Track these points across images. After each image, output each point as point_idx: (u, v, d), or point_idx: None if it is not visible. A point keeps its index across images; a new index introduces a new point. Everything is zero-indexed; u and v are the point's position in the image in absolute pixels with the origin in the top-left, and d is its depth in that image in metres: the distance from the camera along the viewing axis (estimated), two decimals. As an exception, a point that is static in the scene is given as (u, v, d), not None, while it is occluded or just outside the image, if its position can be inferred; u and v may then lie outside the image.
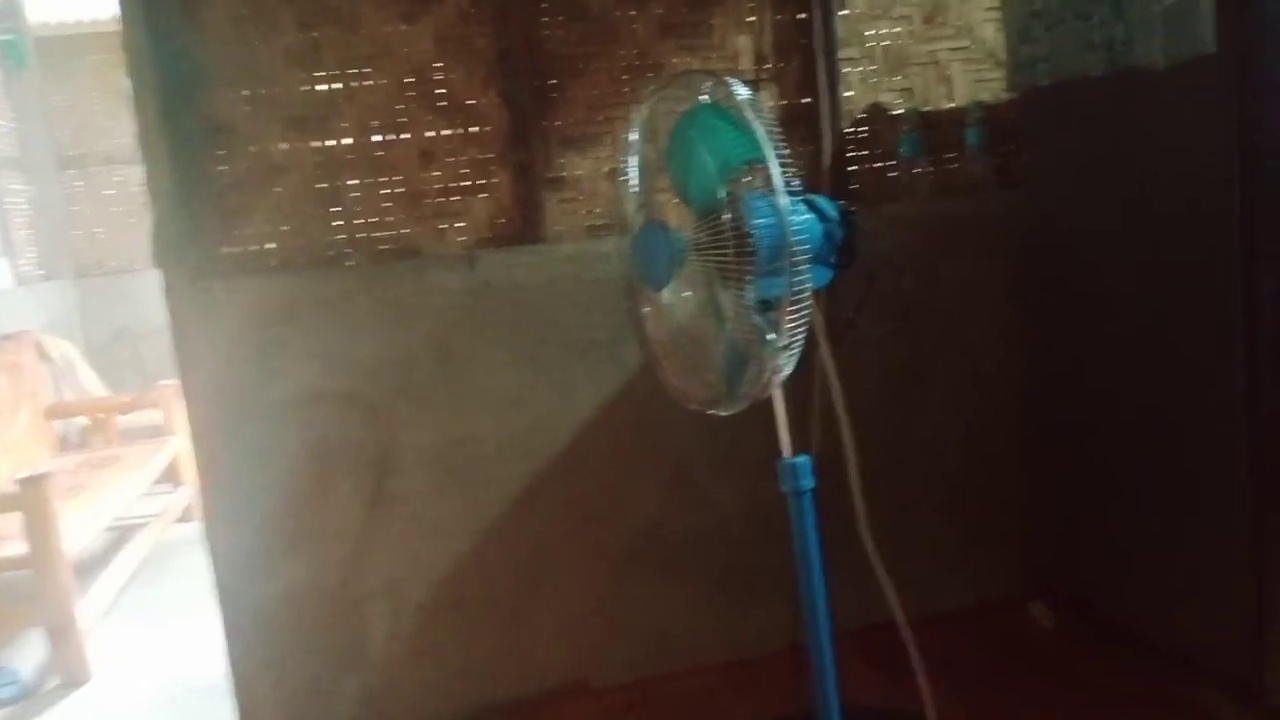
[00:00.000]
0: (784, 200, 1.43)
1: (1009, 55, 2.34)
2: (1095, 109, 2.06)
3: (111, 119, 6.37)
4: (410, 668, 2.22)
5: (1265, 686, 1.83)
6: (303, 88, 2.20)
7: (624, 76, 2.34)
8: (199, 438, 2.11)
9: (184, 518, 4.32)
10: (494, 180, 2.30)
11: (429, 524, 2.21)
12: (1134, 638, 2.15)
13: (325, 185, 2.22)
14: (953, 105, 2.52)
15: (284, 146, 2.19)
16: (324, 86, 2.21)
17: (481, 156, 2.28)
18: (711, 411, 1.62)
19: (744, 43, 2.39)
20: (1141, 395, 2.04)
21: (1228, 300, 1.77)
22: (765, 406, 1.60)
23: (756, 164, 1.48)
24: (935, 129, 2.50)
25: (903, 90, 2.51)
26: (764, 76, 2.40)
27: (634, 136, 1.70)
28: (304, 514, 2.15)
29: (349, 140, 2.23)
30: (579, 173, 2.34)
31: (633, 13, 2.33)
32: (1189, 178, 1.84)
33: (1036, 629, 2.39)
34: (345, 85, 2.22)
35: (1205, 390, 1.86)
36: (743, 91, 1.47)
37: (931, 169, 2.48)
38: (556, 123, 2.32)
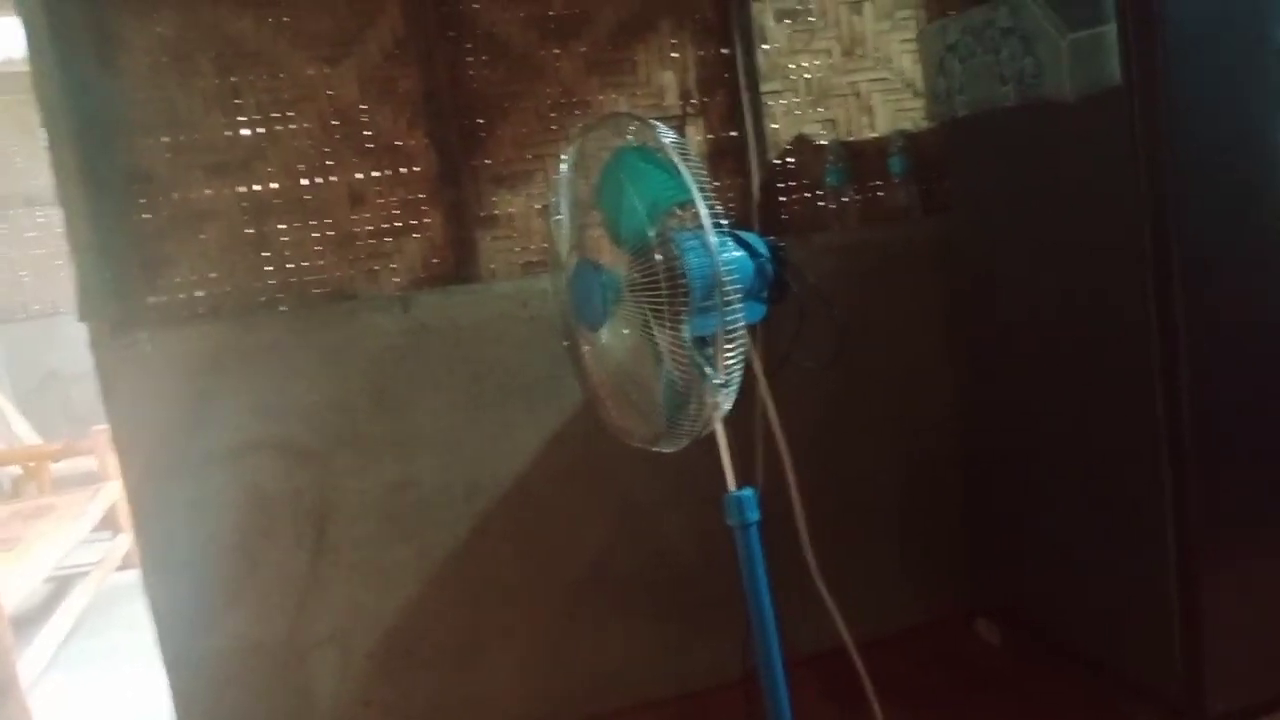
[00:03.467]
0: (714, 239, 1.45)
1: (927, 87, 2.41)
2: (1010, 139, 2.12)
3: (30, 159, 6.21)
4: (361, 717, 2.19)
5: (1202, 706, 1.87)
6: (225, 133, 2.17)
7: (551, 114, 2.35)
8: (133, 491, 2.06)
9: (124, 564, 4.20)
10: (426, 220, 2.29)
11: (374, 570, 2.19)
12: (1077, 655, 2.19)
13: (253, 231, 2.19)
14: (876, 135, 2.58)
15: (208, 192, 2.17)
16: (247, 131, 2.19)
17: (412, 197, 2.28)
18: (654, 449, 1.63)
19: (669, 79, 2.42)
20: (1069, 416, 2.10)
21: (1143, 324, 1.83)
22: (709, 440, 1.62)
23: (685, 204, 1.50)
24: (860, 158, 2.55)
25: (827, 121, 2.56)
26: (690, 112, 2.43)
27: (564, 176, 1.71)
28: (244, 565, 2.11)
29: (275, 184, 2.20)
30: (511, 210, 2.34)
31: (556, 51, 2.35)
32: (1100, 205, 1.90)
33: (983, 646, 2.44)
34: (269, 129, 2.20)
35: (1128, 412, 1.91)
36: (667, 135, 1.49)
37: (859, 197, 2.54)
38: (486, 161, 2.32)
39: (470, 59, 2.30)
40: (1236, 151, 1.80)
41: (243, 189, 2.19)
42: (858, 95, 2.58)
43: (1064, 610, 2.22)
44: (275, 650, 2.14)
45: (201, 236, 2.16)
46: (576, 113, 2.36)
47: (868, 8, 2.56)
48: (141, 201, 2.13)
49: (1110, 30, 1.77)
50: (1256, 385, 1.85)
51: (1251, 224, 1.82)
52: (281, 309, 2.20)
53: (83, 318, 2.03)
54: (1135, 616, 1.99)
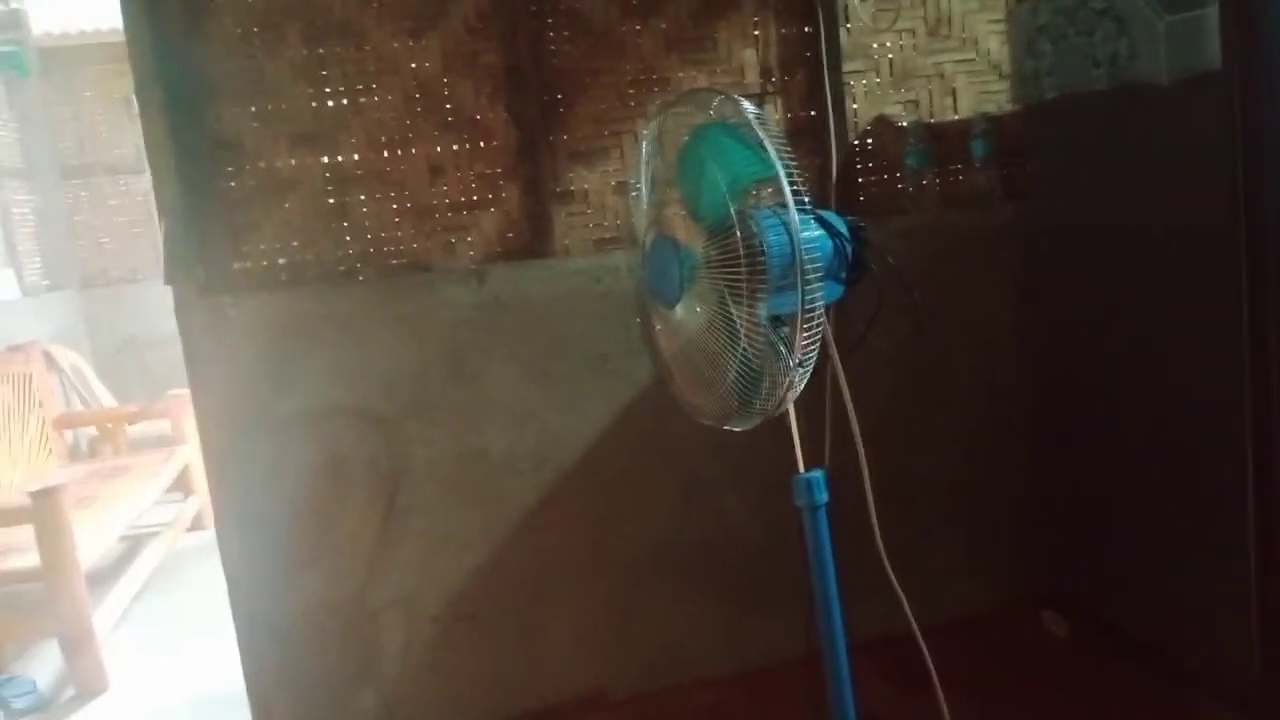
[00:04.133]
0: (795, 217, 1.44)
1: (1013, 68, 2.36)
2: (1099, 123, 2.07)
3: (115, 129, 6.39)
4: (425, 681, 2.24)
5: (1274, 706, 1.83)
6: (311, 103, 2.21)
7: (630, 91, 2.35)
8: (210, 453, 2.12)
9: (195, 526, 4.34)
10: (502, 195, 2.31)
11: (442, 537, 2.22)
12: (1145, 648, 2.16)
13: (334, 201, 2.23)
14: (958, 117, 2.53)
15: (292, 162, 2.21)
16: (331, 102, 2.22)
17: (490, 171, 2.30)
18: (725, 427, 1.63)
19: (749, 56, 2.40)
20: (1148, 406, 2.05)
21: (1233, 314, 1.78)
22: (777, 420, 1.61)
23: (766, 181, 1.49)
24: (941, 141, 2.51)
25: (908, 103, 2.52)
26: (770, 90, 2.41)
27: (643, 152, 1.71)
28: (318, 528, 2.16)
29: (357, 156, 2.24)
30: (587, 187, 2.35)
31: (637, 28, 2.34)
32: (1192, 193, 1.85)
33: (1050, 638, 2.40)
34: (352, 100, 2.23)
35: (1211, 402, 1.86)
36: (752, 109, 1.48)
37: (938, 181, 2.50)
38: (564, 137, 2.33)
39: (552, 34, 2.31)
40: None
41: (325, 159, 2.23)
42: (941, 76, 2.53)
43: (1136, 604, 2.18)
44: (345, 611, 2.19)
45: (285, 205, 2.21)
46: (655, 90, 2.35)
47: (956, -14, 2.51)
48: (228, 169, 2.18)
49: (1211, 13, 1.71)
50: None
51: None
52: (360, 278, 2.24)
53: (169, 281, 2.09)
54: (1212, 613, 1.95)
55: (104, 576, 3.59)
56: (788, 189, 1.44)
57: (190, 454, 4.38)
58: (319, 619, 2.17)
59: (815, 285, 1.46)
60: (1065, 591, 2.43)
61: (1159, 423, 2.03)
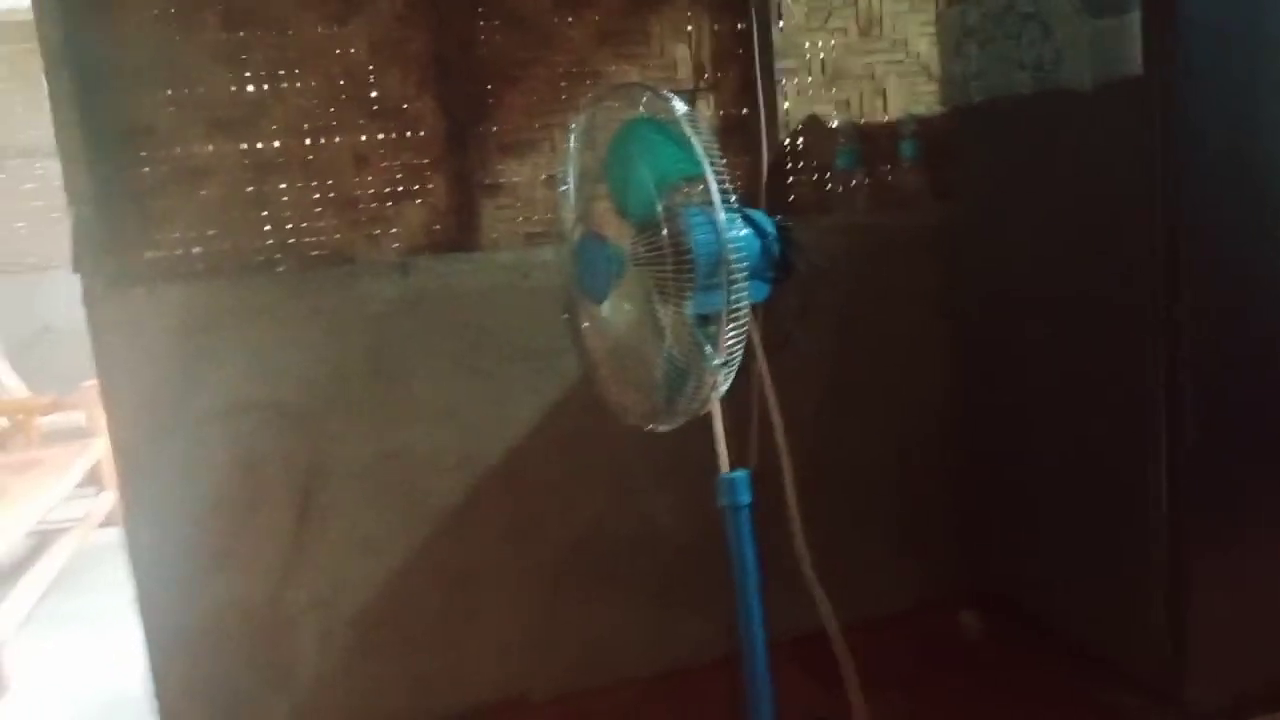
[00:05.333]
0: (722, 216, 1.43)
1: (942, 70, 2.37)
2: (1024, 126, 2.09)
3: (31, 110, 6.15)
4: (342, 686, 2.18)
5: (1184, 695, 1.87)
6: (230, 88, 2.14)
7: (562, 84, 2.32)
8: (120, 449, 2.04)
9: (108, 523, 4.19)
10: (429, 186, 2.26)
11: (361, 538, 2.17)
12: (1062, 643, 2.19)
13: (253, 189, 2.17)
14: (888, 118, 2.55)
15: (209, 149, 2.13)
16: (251, 88, 2.15)
17: (416, 162, 2.25)
18: (650, 427, 1.61)
19: (682, 52, 2.39)
20: (1065, 407, 2.09)
21: (1146, 318, 1.81)
22: (706, 419, 1.60)
23: (694, 179, 1.47)
24: (871, 141, 2.52)
25: (840, 102, 2.53)
26: (702, 86, 2.40)
27: (572, 146, 1.68)
28: (230, 528, 2.09)
29: (278, 143, 2.17)
30: (517, 179, 2.32)
31: (569, 19, 2.31)
32: (1113, 197, 1.87)
33: (968, 633, 2.43)
34: (274, 87, 2.16)
35: (1125, 399, 1.90)
36: (680, 106, 1.46)
37: (868, 181, 2.51)
38: (494, 128, 2.29)
39: (482, 23, 2.26)
40: (1255, 147, 1.77)
41: (245, 146, 2.16)
42: (872, 77, 2.55)
43: (1051, 599, 2.22)
44: (258, 614, 2.12)
45: (201, 193, 2.13)
46: (587, 83, 2.32)
47: (887, -12, 2.53)
48: (141, 155, 2.09)
49: (1134, 19, 1.74)
50: (1252, 383, 1.84)
51: (1264, 222, 1.80)
52: (279, 270, 2.17)
53: (77, 270, 2.00)
54: (1122, 606, 1.99)
55: (10, 573, 3.45)
56: (714, 188, 1.42)
57: (104, 447, 4.24)
58: (230, 622, 2.10)
59: (741, 284, 1.45)
60: (986, 588, 2.46)
61: (1073, 420, 2.07)
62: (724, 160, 1.43)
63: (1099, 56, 1.82)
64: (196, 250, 2.14)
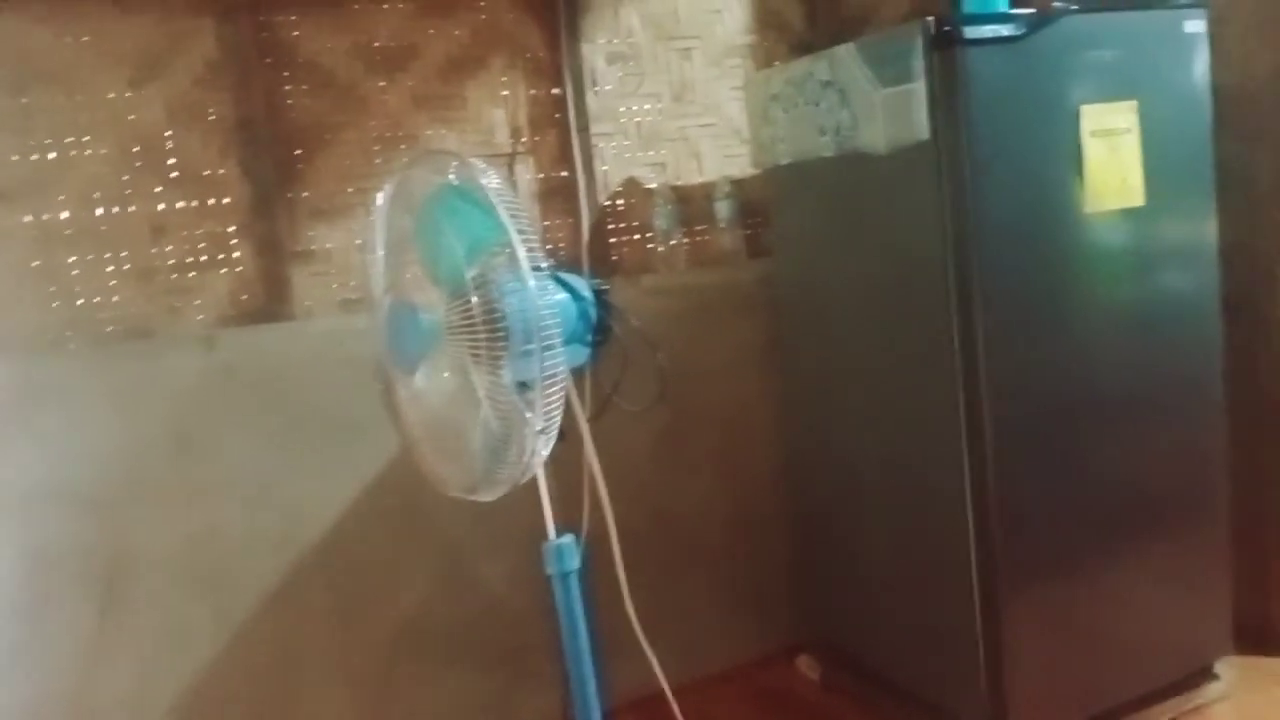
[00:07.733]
0: (532, 282, 1.42)
1: (752, 134, 2.47)
2: (829, 187, 2.19)
3: None
4: (151, 791, 2.01)
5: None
6: (12, 156, 2.00)
7: (375, 147, 2.28)
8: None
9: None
10: (235, 254, 2.16)
11: (171, 629, 2.03)
12: (893, 688, 2.25)
13: (40, 262, 2.02)
14: (703, 180, 2.62)
15: (-10, 220, 1.98)
16: (36, 155, 2.02)
17: (220, 230, 2.15)
18: (471, 498, 1.57)
19: (499, 116, 2.39)
20: (883, 458, 2.17)
21: (947, 367, 1.91)
22: (534, 485, 1.57)
23: (506, 246, 1.46)
24: (688, 202, 2.58)
25: (656, 164, 2.58)
26: (520, 150, 2.40)
27: (380, 211, 1.64)
28: (25, 625, 1.93)
29: (67, 213, 2.04)
30: (330, 245, 2.25)
31: (382, 84, 2.28)
32: (909, 253, 1.98)
33: (804, 682, 2.47)
34: (62, 154, 2.03)
35: (937, 454, 1.99)
36: (486, 175, 1.45)
37: (686, 241, 2.57)
38: (304, 194, 2.22)
39: (289, 87, 2.20)
40: (1034, 204, 1.91)
41: (29, 218, 2.02)
42: (686, 140, 2.62)
43: (880, 646, 2.28)
44: (56, 715, 1.94)
45: (-20, 267, 1.97)
46: (403, 147, 2.29)
47: (697, 54, 2.61)
48: (-87, 227, 1.92)
49: (919, 87, 1.85)
50: (1050, 435, 1.96)
51: (1046, 277, 1.94)
52: (71, 347, 2.02)
53: None
54: (944, 650, 2.06)
55: None
56: (522, 254, 1.41)
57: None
58: (24, 728, 1.91)
59: (557, 349, 1.44)
60: (819, 636, 2.52)
61: (891, 472, 2.15)
62: (543, 224, 1.44)
63: (891, 122, 1.92)
64: (-25, 329, 1.97)
